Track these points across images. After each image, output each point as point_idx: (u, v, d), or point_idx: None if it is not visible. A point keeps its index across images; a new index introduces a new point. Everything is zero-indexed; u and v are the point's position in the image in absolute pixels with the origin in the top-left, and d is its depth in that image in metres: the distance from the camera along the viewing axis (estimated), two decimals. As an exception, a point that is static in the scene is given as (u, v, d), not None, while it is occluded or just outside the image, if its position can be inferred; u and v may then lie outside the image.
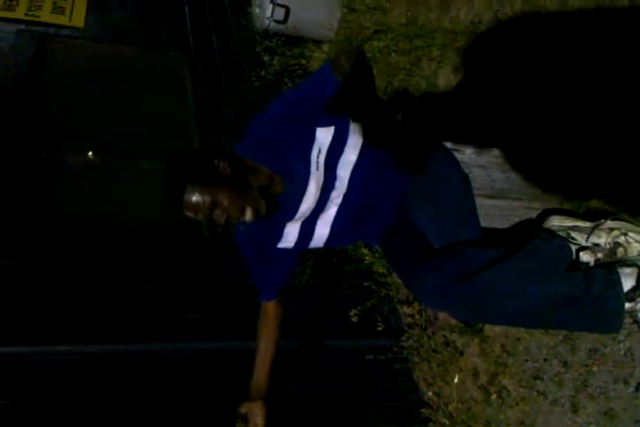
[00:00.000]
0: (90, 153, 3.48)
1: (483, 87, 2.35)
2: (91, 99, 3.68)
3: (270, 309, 1.85)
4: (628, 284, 1.58)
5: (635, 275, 1.59)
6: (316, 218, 1.70)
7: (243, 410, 1.71)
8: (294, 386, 2.63)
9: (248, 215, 1.55)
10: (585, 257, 1.65)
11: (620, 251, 1.65)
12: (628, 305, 1.58)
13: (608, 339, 1.82)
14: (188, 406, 2.48)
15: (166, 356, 2.61)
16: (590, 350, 1.90)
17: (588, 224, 1.75)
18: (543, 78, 2.09)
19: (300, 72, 3.66)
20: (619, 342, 1.80)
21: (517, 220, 1.95)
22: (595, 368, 1.88)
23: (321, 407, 2.64)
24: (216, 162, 1.56)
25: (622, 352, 1.79)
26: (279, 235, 1.74)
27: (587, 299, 1.54)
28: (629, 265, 1.62)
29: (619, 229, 1.67)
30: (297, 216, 1.69)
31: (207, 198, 1.51)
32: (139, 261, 2.95)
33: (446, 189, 1.68)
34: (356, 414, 2.65)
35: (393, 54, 2.87)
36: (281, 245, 1.76)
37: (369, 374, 2.76)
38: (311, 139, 1.63)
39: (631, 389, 1.76)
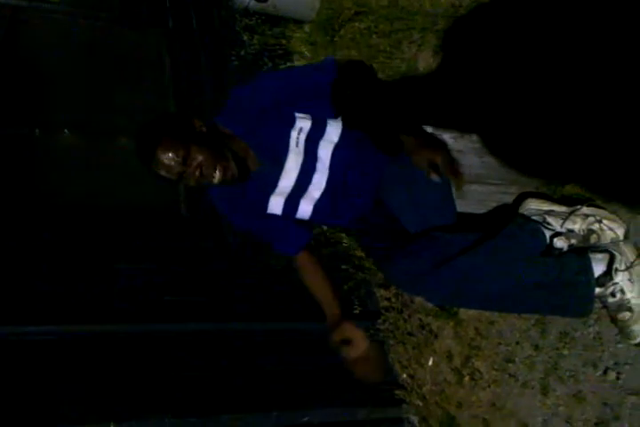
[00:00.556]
0: (65, 130, 3.42)
1: (463, 71, 2.34)
2: (65, 75, 3.60)
3: (301, 260, 1.80)
4: (598, 269, 1.61)
5: (606, 260, 1.62)
6: (299, 197, 1.71)
7: (336, 337, 1.62)
8: (269, 367, 2.65)
9: (218, 175, 1.55)
10: (559, 243, 1.67)
11: (593, 237, 1.68)
12: (598, 290, 1.61)
13: (578, 323, 1.85)
14: (164, 387, 2.48)
15: (142, 337, 2.61)
16: (561, 333, 1.93)
17: (564, 209, 1.77)
18: (523, 62, 2.09)
19: (280, 52, 3.61)
20: (588, 327, 1.83)
21: (494, 205, 1.96)
22: (565, 352, 1.92)
23: (295, 388, 2.66)
24: (193, 121, 1.59)
25: (592, 336, 1.83)
26: (265, 206, 1.73)
27: (558, 284, 1.57)
28: (601, 251, 1.65)
29: (594, 215, 1.69)
30: (277, 191, 1.69)
31: (181, 152, 1.51)
32: (117, 241, 2.92)
33: (422, 175, 1.67)
34: (330, 394, 2.67)
35: (374, 36, 2.85)
36: (270, 211, 1.75)
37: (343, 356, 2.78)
38: (291, 121, 1.63)
39: (600, 372, 1.80)
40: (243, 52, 3.53)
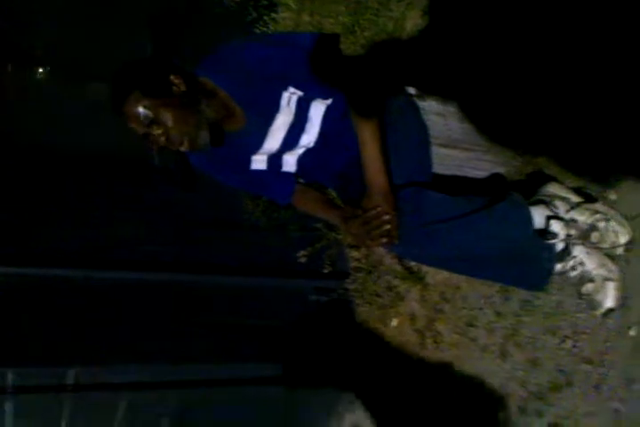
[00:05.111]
0: (40, 69, 3.33)
1: (451, 34, 2.29)
2: (41, 17, 3.49)
3: (295, 201, 1.78)
4: (559, 245, 1.64)
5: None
6: (283, 154, 1.68)
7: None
8: (238, 321, 2.69)
9: (186, 144, 1.48)
10: (555, 226, 1.61)
11: (594, 236, 1.62)
12: (559, 266, 1.64)
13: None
14: (128, 335, 2.51)
15: (106, 284, 2.62)
16: (523, 301, 1.97)
17: (579, 200, 1.71)
18: (514, 31, 2.05)
19: (265, 2, 3.49)
20: (551, 296, 1.87)
21: (470, 170, 1.96)
22: (526, 319, 1.96)
23: (262, 343, 2.71)
24: (172, 77, 1.47)
25: (553, 305, 1.87)
26: (247, 164, 1.69)
27: (523, 258, 1.62)
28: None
29: (604, 213, 1.63)
30: (261, 151, 1.65)
31: (149, 114, 1.44)
32: (88, 188, 2.89)
33: (404, 136, 1.65)
34: (295, 351, 2.73)
35: (362, -8, 2.77)
36: (254, 167, 1.71)
37: (311, 313, 2.82)
38: (286, 84, 1.55)
39: (558, 340, 1.85)
40: (226, 0, 3.41)
